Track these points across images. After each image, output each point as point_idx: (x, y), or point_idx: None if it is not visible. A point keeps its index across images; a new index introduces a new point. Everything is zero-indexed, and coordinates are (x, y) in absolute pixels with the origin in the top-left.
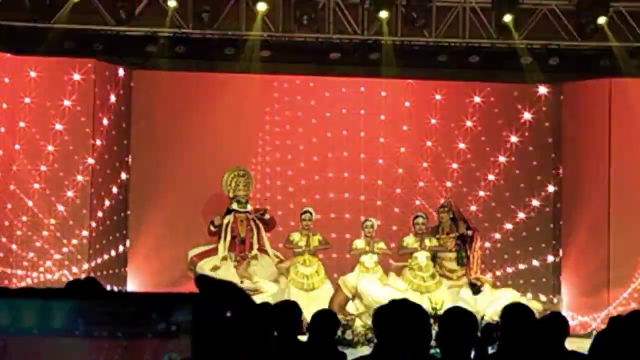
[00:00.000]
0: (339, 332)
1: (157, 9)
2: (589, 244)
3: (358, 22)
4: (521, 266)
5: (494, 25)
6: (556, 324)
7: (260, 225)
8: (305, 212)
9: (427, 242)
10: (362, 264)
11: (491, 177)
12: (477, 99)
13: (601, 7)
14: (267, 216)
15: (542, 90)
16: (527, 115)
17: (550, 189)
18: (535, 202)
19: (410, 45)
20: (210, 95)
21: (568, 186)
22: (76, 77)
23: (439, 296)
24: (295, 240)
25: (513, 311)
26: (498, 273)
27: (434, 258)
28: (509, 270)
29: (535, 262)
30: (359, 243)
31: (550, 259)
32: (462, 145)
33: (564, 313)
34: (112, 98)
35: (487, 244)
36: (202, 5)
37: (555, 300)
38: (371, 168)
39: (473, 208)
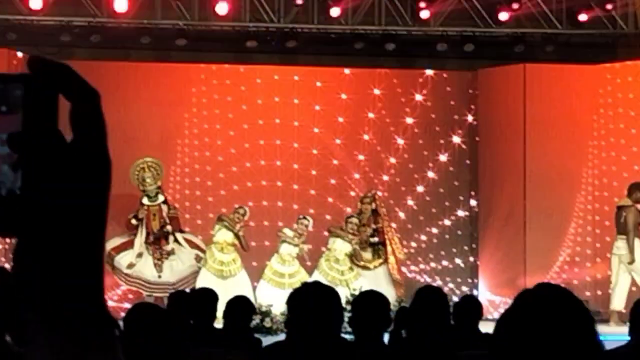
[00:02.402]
0: (258, 320)
1: None
2: (505, 232)
3: (274, 10)
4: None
5: (410, 13)
6: (469, 307)
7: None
8: (240, 207)
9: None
10: (280, 255)
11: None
12: (418, 97)
13: None
14: (169, 229)
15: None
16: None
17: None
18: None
19: (326, 33)
20: (127, 85)
21: (484, 173)
22: None
23: (358, 285)
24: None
25: (426, 293)
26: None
27: (352, 249)
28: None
29: (457, 260)
30: (288, 232)
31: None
32: (400, 142)
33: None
34: None
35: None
36: None
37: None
38: (305, 157)
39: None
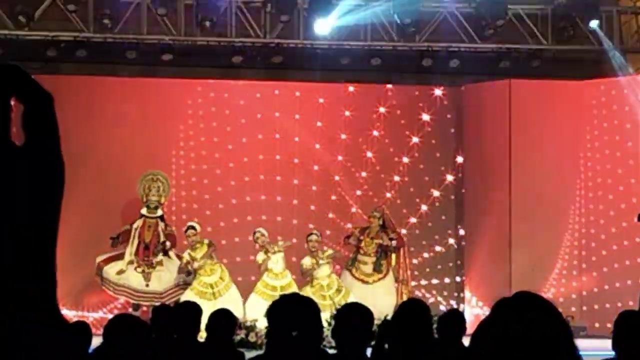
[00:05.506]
0: (243, 335)
1: (57, 13)
2: (491, 254)
3: (260, 26)
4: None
5: (395, 28)
6: (453, 321)
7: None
8: (189, 227)
9: (320, 254)
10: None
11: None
12: (388, 87)
13: (499, 10)
14: (167, 245)
15: (438, 92)
16: (425, 117)
17: (451, 188)
18: (436, 193)
19: (312, 48)
20: (113, 100)
21: (470, 191)
22: None
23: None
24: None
25: (409, 307)
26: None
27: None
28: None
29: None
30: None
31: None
32: (375, 133)
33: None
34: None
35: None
36: (103, 8)
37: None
38: (286, 168)
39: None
